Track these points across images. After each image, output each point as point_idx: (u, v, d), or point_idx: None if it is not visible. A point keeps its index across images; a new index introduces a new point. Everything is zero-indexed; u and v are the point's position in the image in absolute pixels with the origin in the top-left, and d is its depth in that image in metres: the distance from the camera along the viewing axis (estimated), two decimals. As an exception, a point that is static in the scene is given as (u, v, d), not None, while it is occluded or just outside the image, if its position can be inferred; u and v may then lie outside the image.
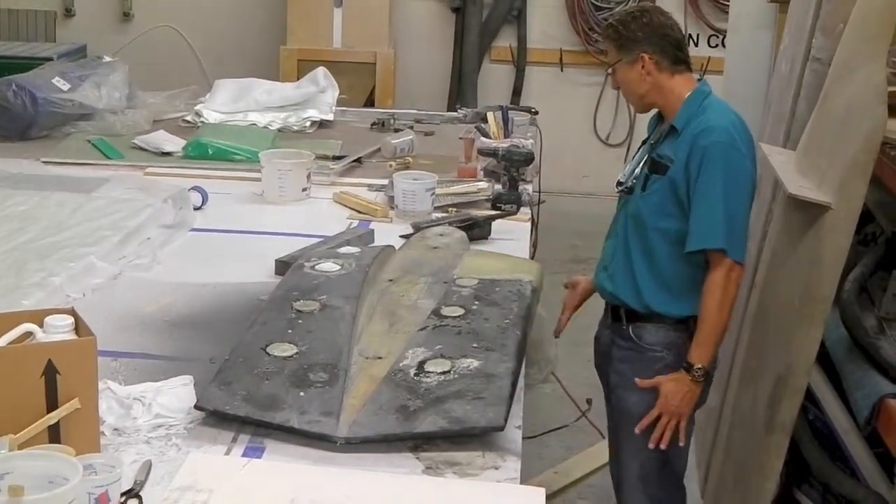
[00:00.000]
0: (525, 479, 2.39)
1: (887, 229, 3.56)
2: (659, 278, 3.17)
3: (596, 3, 7.79)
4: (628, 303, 3.21)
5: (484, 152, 4.31)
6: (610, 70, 3.29)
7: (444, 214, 3.90)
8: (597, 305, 3.40)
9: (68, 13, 8.12)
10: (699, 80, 3.32)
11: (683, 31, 7.62)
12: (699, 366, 3.08)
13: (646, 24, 3.22)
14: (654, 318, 3.19)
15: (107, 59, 5.53)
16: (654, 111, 3.33)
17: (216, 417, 2.46)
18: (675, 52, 3.21)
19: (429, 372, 2.60)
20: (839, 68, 3.53)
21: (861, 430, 3.29)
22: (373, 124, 5.28)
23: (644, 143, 3.34)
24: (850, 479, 3.36)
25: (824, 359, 3.43)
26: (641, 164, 3.25)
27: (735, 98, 4.35)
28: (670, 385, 3.11)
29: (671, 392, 3.11)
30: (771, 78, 4.75)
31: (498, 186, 4.11)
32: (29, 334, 2.26)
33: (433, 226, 3.65)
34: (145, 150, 4.70)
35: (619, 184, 3.31)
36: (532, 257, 3.99)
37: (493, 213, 3.92)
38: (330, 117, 5.28)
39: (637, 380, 3.16)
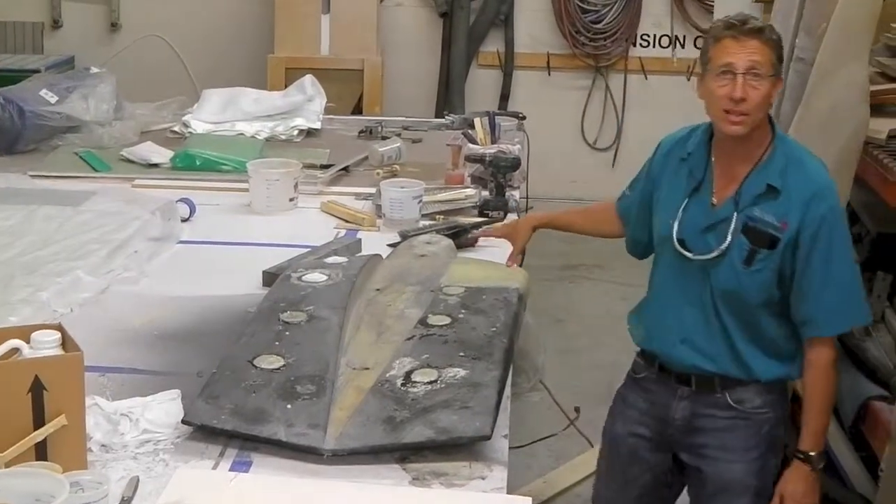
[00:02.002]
0: (513, 488, 2.40)
1: (872, 230, 3.58)
2: (765, 347, 2.90)
3: (582, 5, 7.81)
4: (729, 374, 2.92)
5: (471, 158, 4.32)
6: (754, 73, 2.76)
7: (432, 222, 3.91)
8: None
9: (56, 24, 8.12)
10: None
11: (670, 33, 7.78)
12: (816, 452, 2.88)
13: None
14: (756, 381, 2.93)
15: (94, 70, 5.51)
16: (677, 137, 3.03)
17: (204, 432, 2.46)
18: None
19: (416, 382, 2.60)
20: (822, 68, 3.55)
21: (847, 432, 3.31)
22: (360, 132, 5.29)
23: (696, 190, 2.90)
24: (836, 481, 3.38)
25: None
26: (731, 230, 2.82)
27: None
28: (793, 486, 2.90)
29: (798, 492, 2.89)
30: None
31: (485, 193, 4.12)
32: (15, 350, 2.26)
33: (420, 234, 3.65)
34: (133, 161, 4.69)
35: (682, 244, 2.90)
36: (520, 264, 4.00)
37: (481, 220, 3.93)
38: (317, 126, 5.29)
39: None
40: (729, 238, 2.82)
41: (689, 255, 2.87)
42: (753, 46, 2.75)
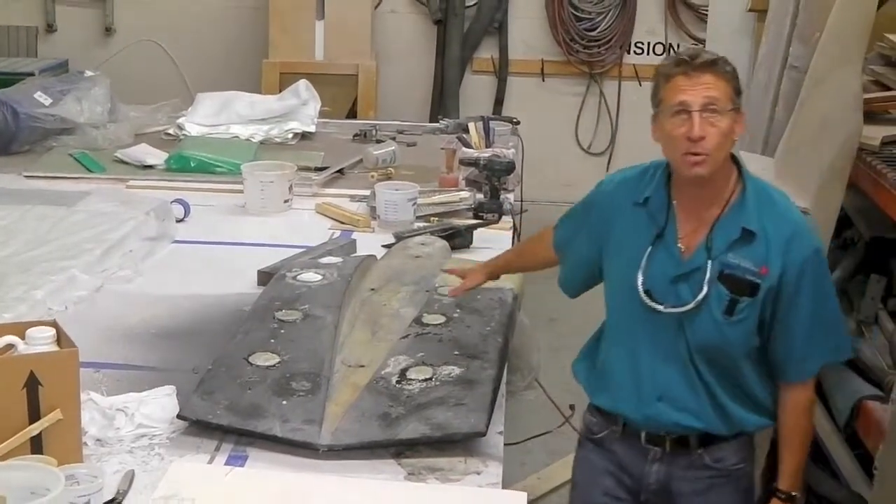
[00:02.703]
0: (507, 484, 2.41)
1: (865, 234, 3.59)
2: (747, 397, 2.69)
3: (576, 13, 7.82)
4: (713, 429, 2.69)
5: (465, 162, 4.33)
6: (711, 110, 2.53)
7: (426, 224, 3.92)
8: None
9: (50, 28, 8.10)
10: None
11: (664, 41, 7.80)
12: (799, 492, 2.73)
13: None
14: (736, 435, 2.73)
15: (88, 73, 5.52)
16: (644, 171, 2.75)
17: (199, 427, 2.46)
18: None
19: (411, 379, 2.61)
20: (816, 76, 3.57)
21: (841, 431, 3.32)
22: (355, 135, 5.29)
23: (660, 237, 2.65)
24: (831, 480, 3.39)
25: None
26: (707, 279, 2.58)
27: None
28: None
29: None
30: (749, 86, 4.78)
31: (480, 196, 4.13)
32: (10, 346, 2.26)
33: (415, 235, 3.66)
34: (127, 163, 4.70)
35: (650, 295, 2.63)
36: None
37: (475, 222, 3.94)
38: (312, 129, 5.30)
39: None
40: (705, 288, 2.58)
41: (659, 307, 2.62)
42: (707, 81, 2.54)
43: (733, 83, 2.58)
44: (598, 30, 7.83)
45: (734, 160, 2.65)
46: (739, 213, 2.60)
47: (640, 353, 2.68)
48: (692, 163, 2.54)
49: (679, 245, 2.63)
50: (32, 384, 2.17)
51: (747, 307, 2.59)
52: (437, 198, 4.11)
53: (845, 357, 2.83)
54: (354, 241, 3.75)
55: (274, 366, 2.66)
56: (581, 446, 2.87)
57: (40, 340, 2.27)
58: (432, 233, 3.69)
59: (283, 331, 2.83)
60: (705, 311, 2.60)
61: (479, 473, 2.35)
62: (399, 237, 3.69)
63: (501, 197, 4.13)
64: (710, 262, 2.59)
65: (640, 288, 2.63)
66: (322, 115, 5.46)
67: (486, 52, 7.97)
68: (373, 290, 3.13)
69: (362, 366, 2.69)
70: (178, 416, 2.48)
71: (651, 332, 2.66)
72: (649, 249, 2.64)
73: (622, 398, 2.71)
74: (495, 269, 3.06)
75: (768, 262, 2.57)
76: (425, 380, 2.61)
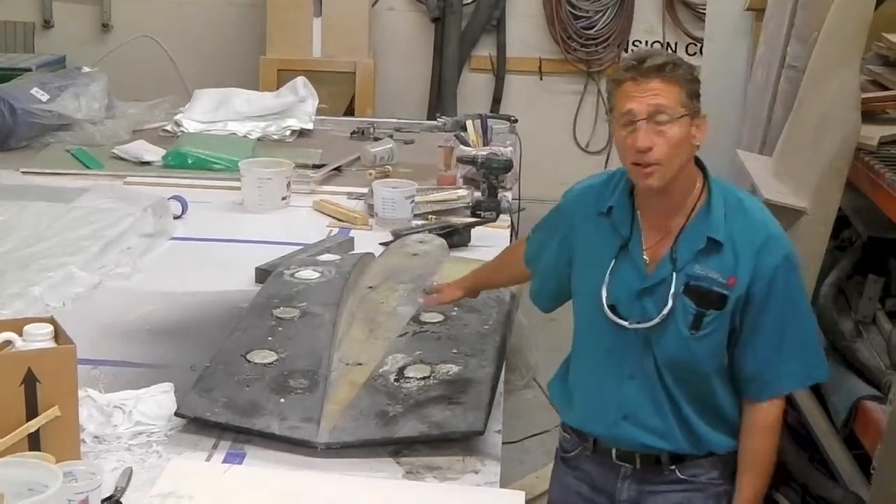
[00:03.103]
0: (505, 483, 2.41)
1: (863, 234, 3.59)
2: (718, 417, 2.53)
3: (574, 11, 7.81)
4: (681, 450, 2.54)
5: (463, 160, 4.33)
6: (659, 118, 2.38)
7: (424, 222, 3.92)
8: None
9: (47, 24, 8.10)
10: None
11: (662, 39, 7.79)
12: None
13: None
14: (708, 455, 2.56)
15: (86, 69, 5.52)
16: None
17: (197, 424, 2.46)
18: None
19: (409, 377, 2.61)
20: (814, 75, 3.57)
21: (839, 431, 3.32)
22: (352, 133, 5.29)
23: (623, 248, 2.51)
24: (829, 480, 3.39)
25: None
26: (672, 292, 2.43)
27: (712, 105, 4.38)
28: None
29: None
30: (747, 85, 4.79)
31: (477, 194, 4.12)
32: (8, 343, 2.26)
33: (413, 233, 3.66)
34: (125, 159, 4.70)
35: (614, 310, 2.49)
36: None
37: (473, 220, 3.94)
38: (310, 126, 5.29)
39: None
40: (670, 302, 2.43)
41: (624, 323, 2.47)
42: (655, 87, 2.37)
43: (687, 87, 2.40)
44: (596, 28, 7.83)
45: (699, 166, 2.50)
46: (704, 221, 2.45)
47: (607, 371, 2.54)
48: (643, 174, 2.40)
49: (644, 257, 2.49)
50: (30, 381, 2.17)
51: (714, 320, 2.43)
52: (434, 196, 4.10)
53: (819, 379, 2.63)
54: (352, 238, 3.75)
55: (272, 363, 2.66)
56: (556, 464, 2.76)
57: (38, 337, 2.26)
58: (430, 231, 3.69)
59: (280, 328, 2.83)
60: (671, 326, 2.45)
61: (477, 472, 2.35)
62: (397, 235, 3.69)
63: (499, 195, 4.13)
64: (674, 274, 2.44)
65: (605, 303, 2.49)
66: (320, 112, 5.46)
67: (484, 50, 7.97)
68: (371, 287, 3.12)
69: (360, 364, 2.69)
70: (176, 414, 2.47)
71: (617, 349, 2.51)
72: (613, 262, 2.50)
73: (590, 416, 2.59)
74: (474, 285, 2.91)
75: (737, 273, 2.42)
76: (423, 378, 2.61)
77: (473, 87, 7.98)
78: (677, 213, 2.47)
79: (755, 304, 2.44)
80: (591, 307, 2.53)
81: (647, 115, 2.37)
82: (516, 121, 5.27)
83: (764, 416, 2.52)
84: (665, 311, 2.44)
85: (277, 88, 5.75)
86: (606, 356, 2.54)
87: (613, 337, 2.51)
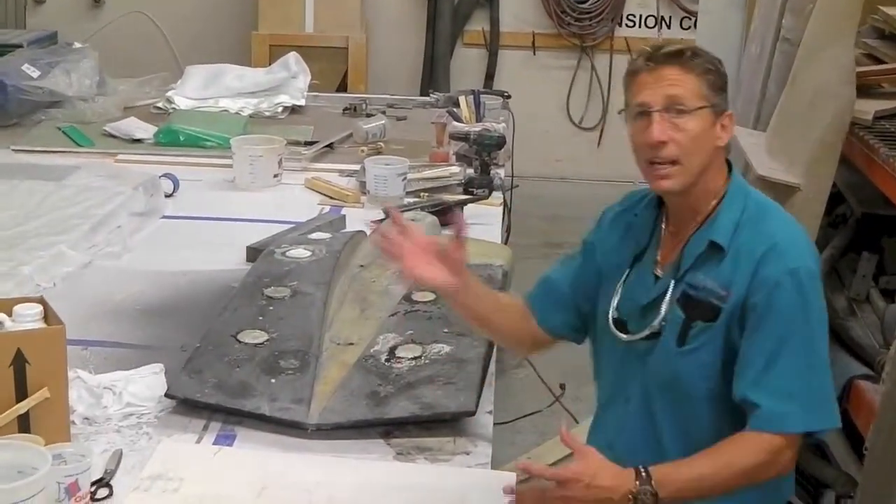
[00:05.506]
0: (497, 464, 2.40)
1: (857, 210, 3.58)
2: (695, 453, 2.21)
3: (568, -15, 7.79)
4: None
5: (456, 136, 4.31)
6: (676, 110, 2.19)
7: (416, 199, 3.90)
8: None
9: (38, 0, 8.06)
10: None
11: (656, 13, 7.76)
12: (658, 492, 2.11)
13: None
14: None
15: (77, 45, 5.49)
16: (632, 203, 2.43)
17: (187, 405, 2.45)
18: None
19: (400, 357, 2.60)
20: (808, 49, 3.55)
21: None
22: (345, 109, 5.26)
23: (638, 259, 2.35)
24: (821, 460, 3.39)
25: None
26: (667, 301, 2.25)
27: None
28: (607, 473, 2.12)
29: (599, 476, 2.11)
30: (741, 59, 4.77)
31: (470, 171, 4.11)
32: (-3, 324, 2.25)
33: (405, 211, 3.64)
34: (116, 137, 4.67)
35: (620, 324, 2.33)
36: (505, 242, 3.99)
37: (465, 197, 3.93)
38: (302, 103, 5.26)
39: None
40: (663, 311, 2.24)
41: (622, 336, 2.30)
42: (672, 76, 2.18)
43: (707, 77, 2.21)
44: (590, 2, 7.81)
45: (728, 167, 2.31)
46: (713, 225, 2.25)
47: (614, 393, 2.38)
48: (658, 175, 2.21)
49: (656, 269, 2.32)
50: (19, 362, 2.16)
51: (702, 333, 2.21)
52: (427, 173, 4.09)
53: (821, 427, 2.24)
54: (344, 216, 3.73)
55: (262, 343, 2.65)
56: None
57: (27, 318, 2.25)
58: (422, 208, 3.67)
59: (271, 308, 2.82)
60: (662, 341, 2.26)
61: (468, 453, 2.34)
62: (388, 213, 3.66)
63: (492, 172, 4.11)
64: (673, 282, 2.25)
65: (610, 317, 2.33)
66: (312, 88, 5.43)
67: (477, 25, 7.94)
68: (362, 266, 3.11)
69: (351, 344, 2.68)
70: (166, 395, 2.46)
71: (620, 368, 2.36)
72: (627, 273, 2.35)
73: (591, 439, 2.43)
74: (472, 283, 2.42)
75: (733, 282, 2.19)
76: (414, 358, 2.60)
77: (466, 63, 7.96)
78: (693, 220, 2.29)
79: (751, 322, 2.18)
80: (603, 322, 2.38)
81: (663, 106, 2.18)
82: (509, 96, 5.25)
83: (753, 442, 2.16)
84: (656, 323, 2.26)
85: (269, 64, 5.73)
86: (614, 376, 2.40)
87: (617, 354, 2.36)
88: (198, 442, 2.36)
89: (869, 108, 3.44)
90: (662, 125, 2.18)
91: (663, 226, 2.35)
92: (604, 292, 2.41)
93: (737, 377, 2.20)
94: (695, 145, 2.19)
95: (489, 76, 7.93)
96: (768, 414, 2.15)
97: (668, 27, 7.80)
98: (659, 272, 2.32)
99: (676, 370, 2.24)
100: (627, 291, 2.34)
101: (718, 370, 2.22)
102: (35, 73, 4.92)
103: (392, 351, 2.63)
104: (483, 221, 3.69)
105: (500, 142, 4.16)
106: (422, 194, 3.96)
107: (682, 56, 2.21)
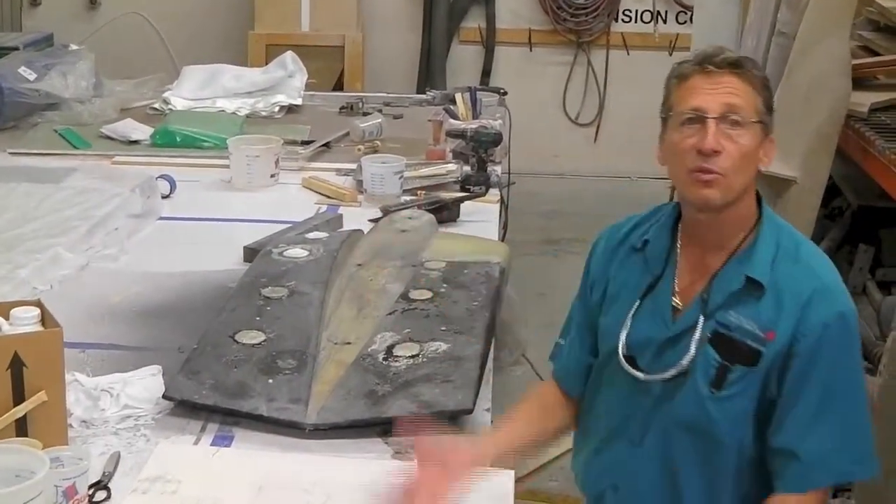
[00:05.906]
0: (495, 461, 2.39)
1: (853, 203, 3.59)
2: None
3: (564, -19, 7.79)
4: None
5: (452, 134, 4.31)
6: (732, 120, 2.07)
7: (413, 197, 3.90)
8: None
9: (34, 2, 8.06)
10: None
11: (652, 8, 7.76)
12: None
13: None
14: None
15: (73, 47, 5.49)
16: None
17: (185, 407, 2.45)
18: None
19: (397, 356, 2.60)
20: (803, 42, 3.56)
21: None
22: (341, 108, 5.27)
23: (651, 288, 2.21)
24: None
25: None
26: (696, 339, 2.11)
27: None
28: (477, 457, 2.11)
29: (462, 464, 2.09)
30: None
31: (467, 168, 4.10)
32: (-6, 327, 2.25)
33: (402, 209, 3.64)
34: (113, 138, 4.67)
35: (630, 359, 2.19)
36: (503, 239, 3.99)
37: (462, 195, 3.92)
38: (298, 102, 5.27)
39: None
40: (692, 351, 2.09)
41: (639, 375, 2.16)
42: (730, 85, 2.07)
43: (764, 93, 2.13)
44: (586, -2, 7.81)
45: (759, 200, 2.19)
46: (749, 260, 2.11)
47: (616, 431, 2.26)
48: (702, 182, 2.07)
49: (674, 301, 2.18)
50: (17, 365, 2.15)
51: (741, 379, 2.08)
52: (423, 171, 4.09)
53: (862, 477, 2.17)
54: (341, 215, 3.73)
55: (260, 344, 2.64)
56: None
57: (25, 320, 2.24)
58: (419, 206, 3.68)
59: (268, 308, 2.82)
60: (690, 382, 2.11)
61: (466, 451, 2.34)
62: (386, 211, 3.67)
63: (489, 169, 4.10)
64: (702, 318, 2.11)
65: (622, 352, 2.19)
66: (308, 87, 5.43)
67: (473, 22, 7.94)
68: (359, 265, 3.11)
69: (348, 343, 2.68)
70: (164, 397, 2.46)
71: (629, 406, 2.22)
72: (638, 304, 2.20)
73: (587, 479, 2.38)
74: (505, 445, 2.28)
75: (777, 325, 2.05)
76: (412, 356, 2.60)
77: (463, 60, 7.96)
78: (721, 248, 2.15)
79: (796, 368, 2.06)
80: (607, 354, 2.26)
81: (720, 114, 2.06)
82: (506, 93, 5.25)
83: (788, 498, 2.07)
84: (685, 362, 2.11)
85: (266, 64, 5.73)
86: (619, 413, 2.25)
87: (626, 391, 2.22)
88: (195, 443, 2.36)
89: (864, 101, 3.45)
90: (717, 134, 2.06)
91: (679, 250, 2.22)
92: (607, 317, 2.30)
93: (777, 426, 2.10)
94: (744, 162, 2.08)
95: (486, 73, 7.93)
96: (809, 474, 2.07)
97: (665, 22, 7.79)
98: (678, 303, 2.20)
99: (708, 415, 2.11)
100: (639, 324, 2.21)
101: (752, 417, 2.11)
102: (31, 76, 4.92)
103: (389, 350, 2.63)
104: (480, 218, 3.70)
105: (496, 139, 4.16)
106: (419, 192, 3.96)
107: (742, 66, 2.11)
